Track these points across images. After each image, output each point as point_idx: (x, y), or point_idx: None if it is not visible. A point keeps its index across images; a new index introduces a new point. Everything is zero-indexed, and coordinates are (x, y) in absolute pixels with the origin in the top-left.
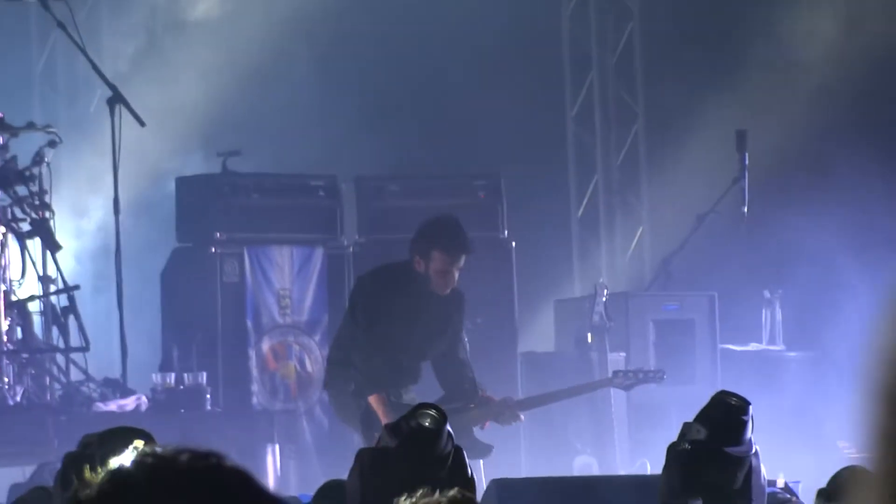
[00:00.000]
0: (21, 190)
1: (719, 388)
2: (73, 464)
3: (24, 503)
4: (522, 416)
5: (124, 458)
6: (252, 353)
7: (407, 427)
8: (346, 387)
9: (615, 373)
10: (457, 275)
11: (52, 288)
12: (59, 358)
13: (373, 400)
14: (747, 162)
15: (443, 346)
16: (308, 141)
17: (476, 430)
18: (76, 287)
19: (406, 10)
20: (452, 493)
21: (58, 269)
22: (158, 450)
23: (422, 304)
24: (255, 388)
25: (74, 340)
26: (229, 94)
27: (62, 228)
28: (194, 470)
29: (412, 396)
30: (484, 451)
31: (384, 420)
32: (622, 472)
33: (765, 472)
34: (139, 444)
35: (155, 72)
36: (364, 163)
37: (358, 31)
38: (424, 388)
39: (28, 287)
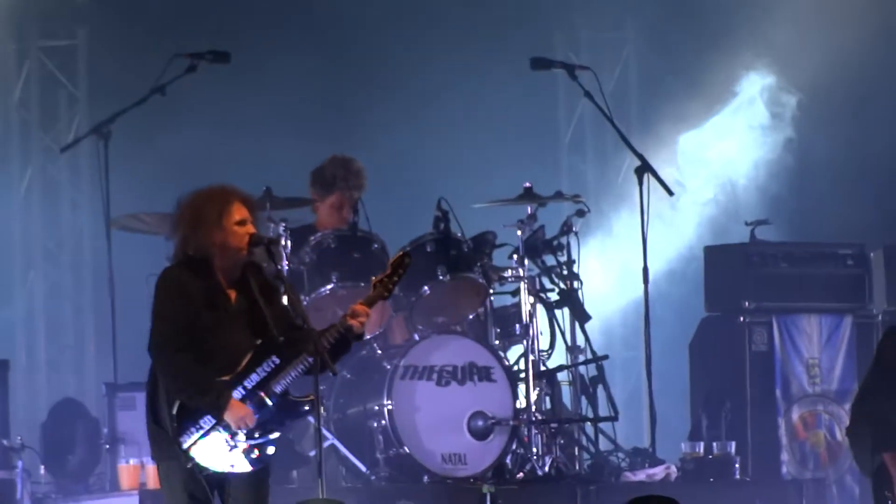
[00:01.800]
0: (549, 259)
1: None
2: None
3: None
4: None
5: None
6: (781, 422)
7: None
8: (863, 439)
9: None
10: None
11: (581, 357)
12: (588, 427)
13: (888, 458)
14: None
15: None
16: (834, 209)
17: None
18: (605, 357)
19: None
20: None
21: (586, 338)
22: None
23: None
24: (784, 457)
25: (603, 410)
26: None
27: (590, 297)
28: None
29: None
30: None
31: None
32: None
33: None
34: None
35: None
36: (893, 230)
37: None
38: None
39: (557, 357)
